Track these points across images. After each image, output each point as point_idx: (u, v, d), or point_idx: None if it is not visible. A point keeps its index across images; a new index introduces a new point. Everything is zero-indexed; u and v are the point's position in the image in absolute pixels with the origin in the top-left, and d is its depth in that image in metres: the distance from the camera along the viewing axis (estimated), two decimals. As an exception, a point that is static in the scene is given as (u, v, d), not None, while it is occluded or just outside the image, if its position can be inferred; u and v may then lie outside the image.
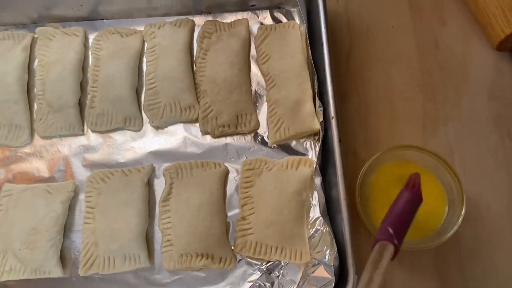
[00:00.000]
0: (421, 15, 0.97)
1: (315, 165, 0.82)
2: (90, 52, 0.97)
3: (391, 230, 0.67)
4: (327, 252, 0.78)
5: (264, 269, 0.80)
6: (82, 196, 0.87)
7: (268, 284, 0.79)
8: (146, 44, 0.96)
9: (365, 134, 0.89)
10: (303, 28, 0.92)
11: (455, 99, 0.92)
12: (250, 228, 0.82)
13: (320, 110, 0.82)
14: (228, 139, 0.90)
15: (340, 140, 0.78)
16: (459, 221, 0.77)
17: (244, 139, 0.90)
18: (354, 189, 0.80)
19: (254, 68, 0.94)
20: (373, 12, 0.98)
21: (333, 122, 0.80)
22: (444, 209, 0.81)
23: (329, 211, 0.81)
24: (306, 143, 0.88)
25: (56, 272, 0.82)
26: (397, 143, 0.88)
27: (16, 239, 0.83)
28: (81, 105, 0.93)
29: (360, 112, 0.90)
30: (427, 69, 0.94)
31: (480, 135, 0.90)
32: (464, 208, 0.77)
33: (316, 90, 0.84)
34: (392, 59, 0.95)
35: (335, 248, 0.75)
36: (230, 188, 0.87)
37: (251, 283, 0.80)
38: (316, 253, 0.79)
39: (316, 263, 0.78)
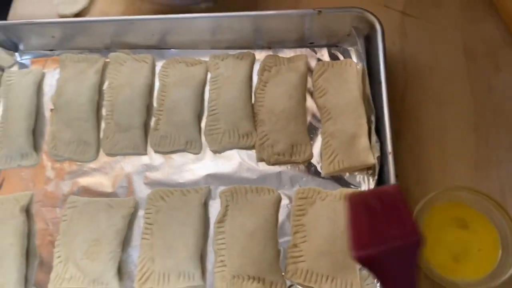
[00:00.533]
0: (476, 61, 1.00)
1: (370, 198, 0.84)
2: (157, 78, 1.03)
3: None
4: (378, 285, 0.79)
5: (314, 297, 0.82)
6: (141, 213, 0.92)
7: (316, 312, 0.81)
8: (209, 74, 1.03)
9: (417, 172, 0.91)
10: (360, 66, 0.96)
11: (508, 143, 0.93)
12: (302, 256, 0.84)
13: (376, 144, 0.85)
14: (282, 167, 0.93)
15: (397, 176, 0.81)
16: (515, 268, 0.77)
17: (298, 168, 0.93)
18: (407, 226, 0.81)
19: (309, 102, 0.99)
20: (428, 55, 1.01)
21: (390, 158, 0.82)
22: (497, 253, 0.81)
23: (381, 244, 0.82)
24: (359, 177, 0.90)
25: (113, 284, 0.85)
26: (449, 182, 0.89)
27: (78, 248, 0.88)
28: (146, 126, 0.99)
29: (413, 151, 0.92)
30: (480, 113, 0.96)
31: (534, 179, 0.90)
32: (520, 254, 0.77)
33: (373, 126, 0.87)
34: (446, 101, 0.97)
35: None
36: (282, 215, 0.89)
37: (300, 310, 0.82)
38: (367, 285, 0.80)
39: (366, 294, 0.79)
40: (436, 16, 1.05)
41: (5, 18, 1.14)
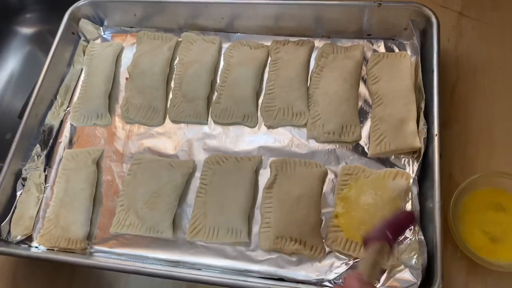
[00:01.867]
0: (530, 62, 1.02)
1: (414, 176, 0.88)
2: (222, 58, 1.13)
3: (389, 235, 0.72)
4: (414, 257, 0.82)
5: (351, 264, 0.87)
6: (198, 174, 1.01)
7: (352, 279, 0.85)
8: (270, 57, 1.11)
9: (462, 160, 0.94)
10: (414, 59, 1.02)
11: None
12: (342, 226, 0.90)
13: (424, 128, 0.90)
14: (331, 145, 0.99)
15: (440, 156, 0.85)
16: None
17: (346, 147, 0.99)
18: (447, 207, 0.85)
19: (362, 89, 1.04)
20: (482, 54, 1.04)
21: (436, 139, 0.87)
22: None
23: (420, 221, 0.86)
24: (405, 160, 0.94)
25: (167, 233, 0.95)
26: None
27: (140, 199, 0.98)
28: (208, 99, 1.08)
29: (459, 140, 0.96)
30: (530, 110, 0.98)
31: None
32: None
33: (422, 112, 0.92)
34: (497, 98, 1.00)
35: (425, 254, 0.80)
36: (326, 188, 0.95)
37: (337, 275, 0.87)
38: (403, 257, 0.84)
39: (402, 266, 0.83)
40: (494, 18, 1.08)
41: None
